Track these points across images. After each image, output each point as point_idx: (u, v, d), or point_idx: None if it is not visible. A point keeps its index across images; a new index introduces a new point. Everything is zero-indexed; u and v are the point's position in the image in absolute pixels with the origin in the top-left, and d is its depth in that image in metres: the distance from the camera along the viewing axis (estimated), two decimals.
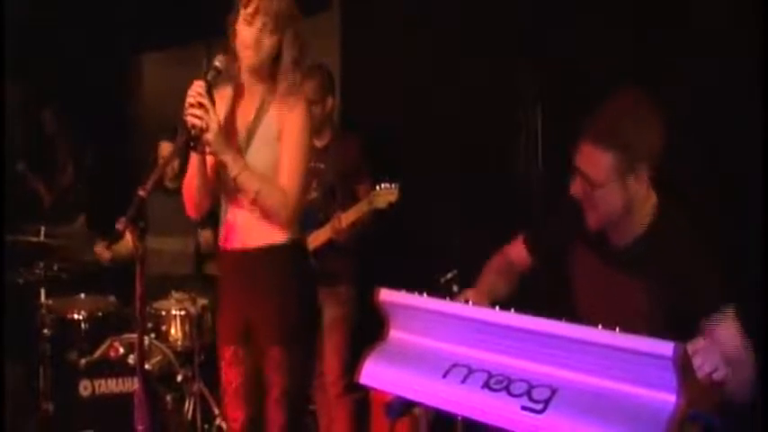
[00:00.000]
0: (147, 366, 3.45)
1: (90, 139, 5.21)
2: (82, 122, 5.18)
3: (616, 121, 1.95)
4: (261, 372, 2.48)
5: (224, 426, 3.51)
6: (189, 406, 3.52)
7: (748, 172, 2.52)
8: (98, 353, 3.57)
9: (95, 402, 3.41)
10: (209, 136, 2.27)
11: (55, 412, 3.48)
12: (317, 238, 3.35)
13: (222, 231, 2.52)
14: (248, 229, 2.44)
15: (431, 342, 1.80)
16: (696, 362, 1.59)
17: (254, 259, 2.44)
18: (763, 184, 2.44)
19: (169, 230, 3.51)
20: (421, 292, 1.82)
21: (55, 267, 3.91)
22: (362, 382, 1.86)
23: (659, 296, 1.95)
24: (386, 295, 1.86)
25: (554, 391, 1.53)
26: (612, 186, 1.96)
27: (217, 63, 2.36)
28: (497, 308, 1.70)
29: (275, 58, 2.39)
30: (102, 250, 4.00)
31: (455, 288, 2.70)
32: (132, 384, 3.39)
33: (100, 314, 3.83)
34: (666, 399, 1.41)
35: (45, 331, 3.73)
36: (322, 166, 3.40)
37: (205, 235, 3.73)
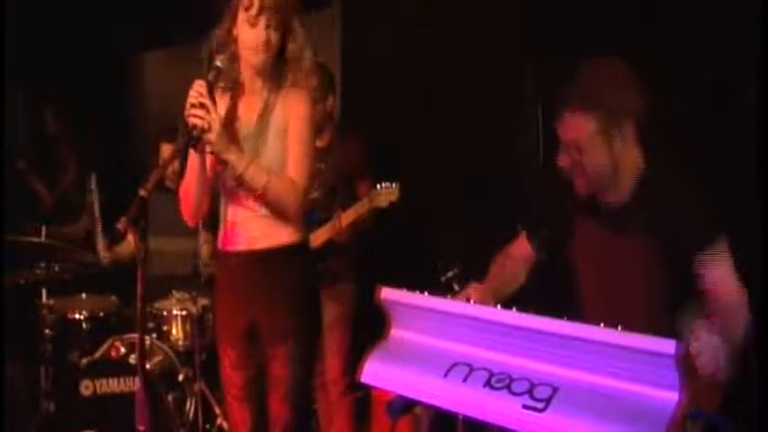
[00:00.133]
0: (148, 366, 3.45)
1: (91, 139, 5.22)
2: (83, 122, 5.19)
3: (594, 83, 1.99)
4: (264, 371, 2.47)
5: (225, 425, 3.51)
6: (190, 406, 3.52)
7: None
8: (99, 353, 3.56)
9: (96, 402, 3.41)
10: (212, 136, 2.24)
11: (56, 412, 3.47)
12: (317, 238, 3.35)
13: (222, 233, 2.49)
14: (254, 230, 2.41)
15: (432, 341, 1.80)
16: (700, 361, 1.59)
17: (262, 261, 2.41)
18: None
19: (170, 231, 3.51)
20: (422, 291, 1.83)
21: (56, 267, 3.90)
22: (364, 380, 1.86)
23: (658, 248, 1.97)
24: (387, 294, 1.86)
25: (555, 390, 1.53)
26: (598, 148, 1.98)
27: (218, 63, 2.35)
28: (499, 306, 1.70)
29: (279, 53, 2.38)
30: (103, 250, 4.00)
31: (456, 286, 2.71)
32: (133, 384, 3.39)
33: (101, 314, 3.83)
34: (668, 397, 1.41)
35: (46, 331, 3.73)
36: (322, 165, 3.40)
37: (205, 241, 3.73)
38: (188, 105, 2.25)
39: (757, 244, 2.23)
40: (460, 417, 1.86)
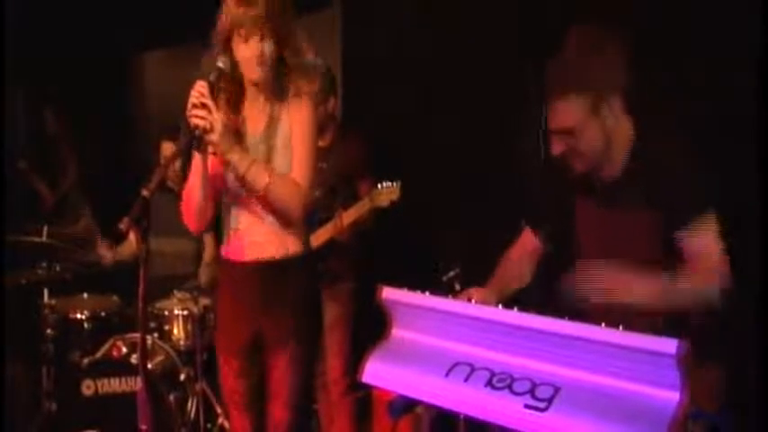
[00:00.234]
0: (149, 366, 3.46)
1: (91, 139, 5.22)
2: (83, 122, 5.20)
3: (576, 63, 1.98)
4: (265, 377, 2.46)
5: (227, 424, 3.51)
6: (192, 405, 3.52)
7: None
8: (101, 352, 3.57)
9: (98, 402, 3.41)
10: (214, 136, 2.23)
11: (57, 412, 3.47)
12: (318, 237, 3.35)
13: (227, 240, 2.47)
14: (258, 237, 2.40)
15: (433, 340, 1.80)
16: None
17: (268, 272, 2.40)
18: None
19: (172, 231, 3.51)
20: (423, 291, 1.83)
21: (57, 267, 3.91)
22: (365, 380, 1.86)
23: (653, 221, 1.97)
24: (388, 293, 1.87)
25: (557, 390, 1.53)
26: (589, 126, 1.98)
27: (219, 64, 2.32)
28: (500, 306, 1.71)
29: (279, 60, 2.35)
30: (105, 251, 4.00)
31: (457, 286, 2.71)
32: (135, 384, 3.39)
33: (103, 314, 3.83)
34: (669, 397, 1.41)
35: (48, 331, 3.73)
36: (324, 165, 3.40)
37: (208, 244, 3.74)
38: (189, 106, 2.23)
39: (757, 245, 2.23)
40: (462, 417, 1.86)
